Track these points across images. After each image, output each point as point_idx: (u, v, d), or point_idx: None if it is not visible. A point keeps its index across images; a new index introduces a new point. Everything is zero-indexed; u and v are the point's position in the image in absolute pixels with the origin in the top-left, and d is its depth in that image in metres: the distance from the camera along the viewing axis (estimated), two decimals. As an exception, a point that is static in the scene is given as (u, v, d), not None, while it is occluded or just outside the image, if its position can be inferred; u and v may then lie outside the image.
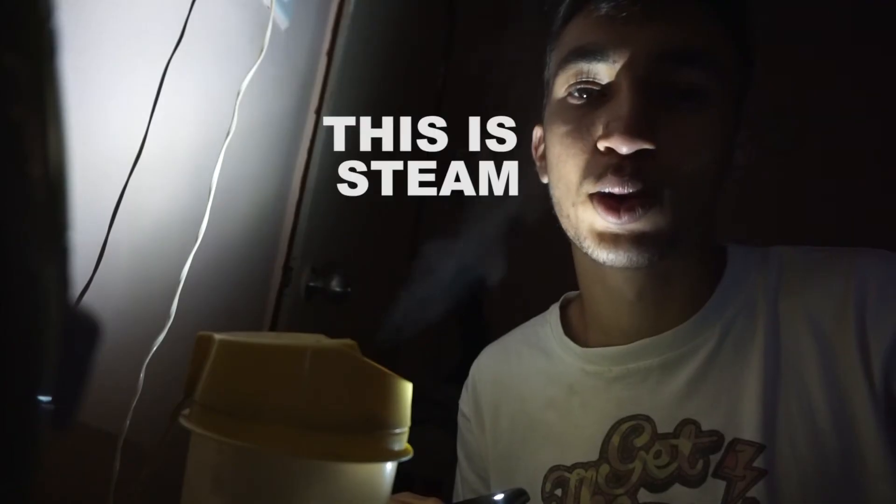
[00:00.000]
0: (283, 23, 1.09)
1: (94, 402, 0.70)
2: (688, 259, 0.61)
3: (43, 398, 0.18)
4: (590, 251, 0.58)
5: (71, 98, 0.19)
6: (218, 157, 0.77)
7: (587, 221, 0.57)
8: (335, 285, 1.32)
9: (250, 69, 0.78)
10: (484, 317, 1.99)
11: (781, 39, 1.75)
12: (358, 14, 1.34)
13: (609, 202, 0.55)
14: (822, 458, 0.53)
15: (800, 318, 0.58)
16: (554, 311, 0.73)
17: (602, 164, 0.55)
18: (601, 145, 0.55)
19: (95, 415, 0.69)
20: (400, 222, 1.86)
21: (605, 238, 0.56)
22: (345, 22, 1.31)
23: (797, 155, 1.78)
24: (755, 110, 0.63)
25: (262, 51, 0.78)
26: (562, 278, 0.72)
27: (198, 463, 0.38)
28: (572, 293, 0.74)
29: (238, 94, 0.78)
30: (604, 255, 0.56)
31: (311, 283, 1.30)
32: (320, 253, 1.32)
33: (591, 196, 0.56)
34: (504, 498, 0.49)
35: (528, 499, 0.51)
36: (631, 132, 0.53)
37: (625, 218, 0.54)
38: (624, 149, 0.53)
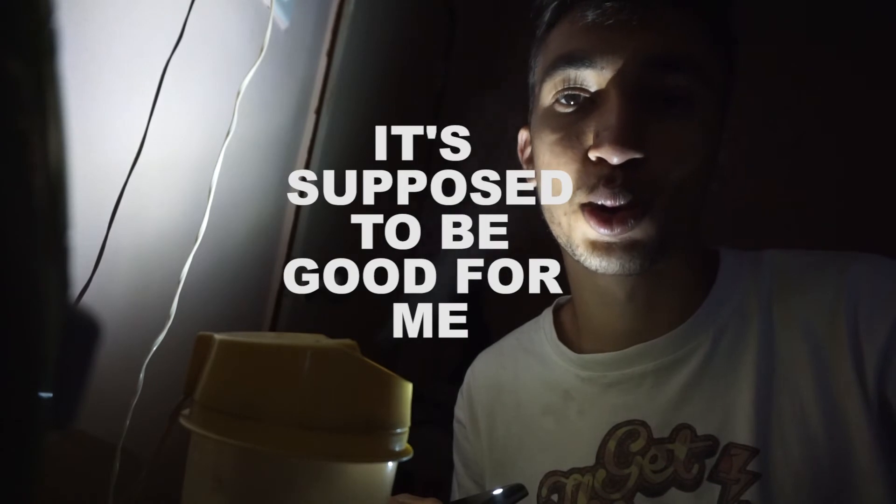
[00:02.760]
0: (283, 23, 1.09)
1: (94, 403, 0.70)
2: (678, 263, 0.61)
3: (44, 394, 0.18)
4: (582, 259, 0.58)
5: (71, 98, 0.19)
6: (218, 157, 0.77)
7: (580, 231, 0.57)
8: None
9: (250, 69, 0.78)
10: (484, 317, 1.99)
11: (780, 37, 1.75)
12: (358, 14, 1.34)
13: (601, 215, 0.55)
14: (815, 461, 0.53)
15: (793, 323, 0.58)
16: (547, 316, 0.73)
17: (593, 174, 0.55)
18: (592, 155, 0.55)
19: (95, 415, 0.69)
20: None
21: (598, 247, 0.56)
22: (345, 22, 1.31)
23: (794, 156, 1.78)
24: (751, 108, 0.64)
25: (262, 51, 0.78)
26: (561, 279, 0.72)
27: (198, 463, 0.38)
28: (563, 298, 0.74)
29: (238, 94, 0.78)
30: (596, 262, 0.57)
31: (311, 284, 1.30)
32: (320, 253, 1.32)
33: (583, 207, 0.56)
34: (502, 493, 0.50)
35: (526, 494, 0.51)
36: (621, 142, 0.53)
37: (617, 230, 0.55)
38: (615, 159, 0.53)
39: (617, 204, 0.54)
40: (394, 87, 1.63)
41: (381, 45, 1.51)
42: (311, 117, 1.28)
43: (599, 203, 0.55)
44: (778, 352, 0.57)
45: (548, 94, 0.60)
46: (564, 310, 0.74)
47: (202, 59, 0.89)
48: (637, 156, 0.53)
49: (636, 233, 0.55)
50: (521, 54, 0.68)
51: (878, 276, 0.56)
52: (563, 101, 0.58)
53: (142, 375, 0.67)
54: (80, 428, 0.69)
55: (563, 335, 0.70)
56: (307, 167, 1.25)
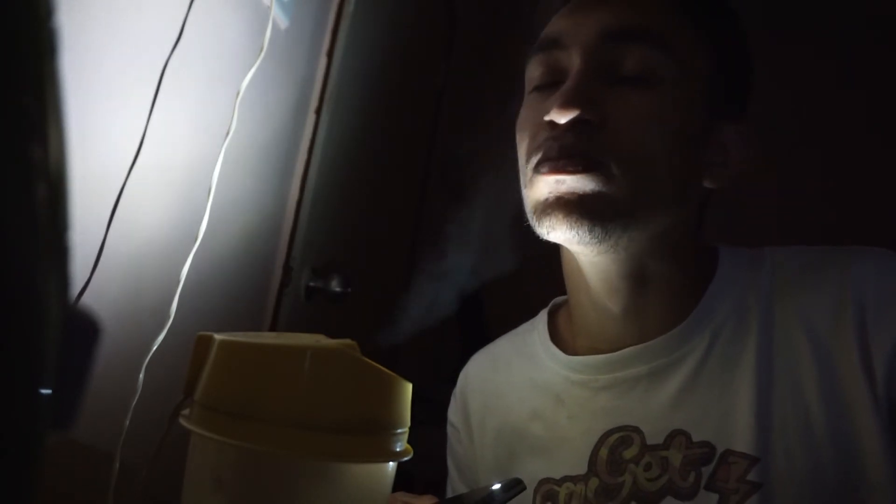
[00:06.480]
0: (283, 23, 1.09)
1: (94, 403, 0.70)
2: (667, 261, 0.59)
3: (44, 391, 0.18)
4: (536, 226, 0.57)
5: (71, 97, 0.19)
6: (217, 157, 0.77)
7: (534, 196, 0.57)
8: (335, 285, 1.32)
9: (250, 69, 0.78)
10: (484, 316, 1.99)
11: (779, 36, 1.75)
12: (358, 14, 1.34)
13: (552, 162, 0.55)
14: (819, 469, 0.51)
15: (795, 323, 0.56)
16: (542, 317, 0.72)
17: (544, 138, 0.56)
18: (545, 119, 0.56)
19: (95, 416, 0.68)
20: (400, 223, 1.86)
21: (549, 205, 0.55)
22: (345, 22, 1.31)
23: (795, 155, 1.78)
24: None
25: (262, 51, 0.78)
26: (561, 278, 0.72)
27: (198, 463, 0.38)
28: (560, 298, 0.72)
29: (238, 94, 0.78)
30: (545, 226, 0.56)
31: (311, 283, 1.30)
32: (320, 253, 1.32)
33: (536, 169, 0.56)
34: (501, 487, 0.49)
35: (524, 488, 0.50)
36: (568, 101, 0.54)
37: (567, 170, 0.54)
38: (561, 119, 0.54)
39: (563, 145, 0.54)
40: (394, 87, 1.63)
41: (381, 45, 1.51)
42: (311, 117, 1.28)
43: (545, 156, 0.55)
44: (779, 353, 0.55)
45: (529, 83, 0.62)
46: (561, 311, 0.72)
47: (201, 59, 0.89)
48: (584, 115, 0.53)
49: (585, 183, 0.54)
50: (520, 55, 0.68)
51: (882, 273, 0.55)
52: (538, 86, 0.61)
53: (141, 376, 0.67)
54: (80, 429, 0.69)
55: (557, 336, 0.68)
56: (307, 167, 1.25)
